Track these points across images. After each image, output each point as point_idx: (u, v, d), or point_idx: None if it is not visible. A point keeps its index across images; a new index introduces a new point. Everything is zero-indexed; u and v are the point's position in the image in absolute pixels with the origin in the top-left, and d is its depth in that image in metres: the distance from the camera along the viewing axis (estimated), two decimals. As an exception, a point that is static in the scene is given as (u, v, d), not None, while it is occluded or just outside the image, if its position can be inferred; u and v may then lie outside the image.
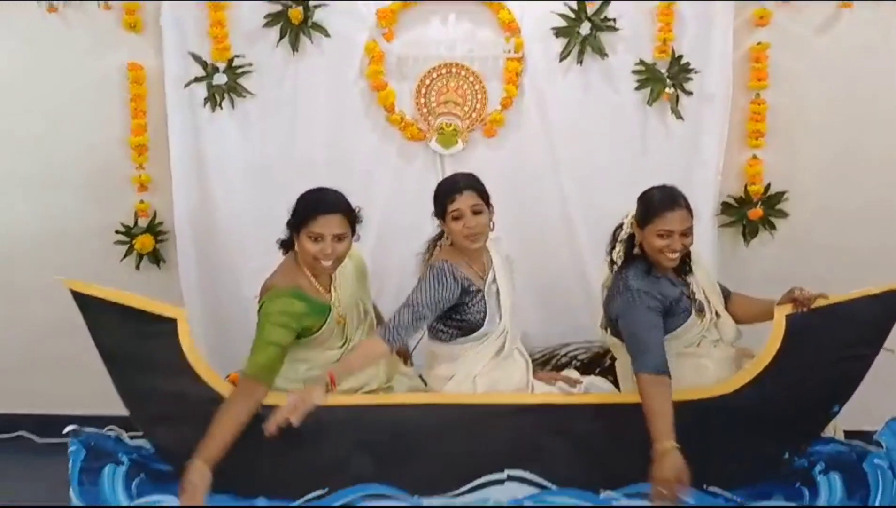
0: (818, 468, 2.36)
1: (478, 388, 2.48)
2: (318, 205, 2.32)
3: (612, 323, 2.48)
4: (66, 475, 2.47)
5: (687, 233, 2.39)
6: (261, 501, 2.40)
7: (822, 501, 2.36)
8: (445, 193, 2.43)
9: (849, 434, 2.47)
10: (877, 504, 2.33)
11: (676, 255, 2.40)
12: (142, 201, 3.33)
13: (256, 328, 2.33)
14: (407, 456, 2.39)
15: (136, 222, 3.34)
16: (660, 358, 2.26)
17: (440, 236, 2.60)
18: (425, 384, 2.63)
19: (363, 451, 2.39)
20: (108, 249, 3.34)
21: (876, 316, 2.35)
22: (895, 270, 2.43)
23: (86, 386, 3.15)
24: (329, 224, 2.30)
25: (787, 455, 2.36)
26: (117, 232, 3.34)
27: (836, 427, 2.44)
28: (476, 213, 2.40)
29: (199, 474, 2.14)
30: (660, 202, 2.38)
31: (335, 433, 2.37)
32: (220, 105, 3.17)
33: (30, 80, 3.28)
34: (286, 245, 2.45)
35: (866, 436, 2.38)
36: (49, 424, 3.32)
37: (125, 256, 3.34)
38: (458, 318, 2.46)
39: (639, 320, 2.33)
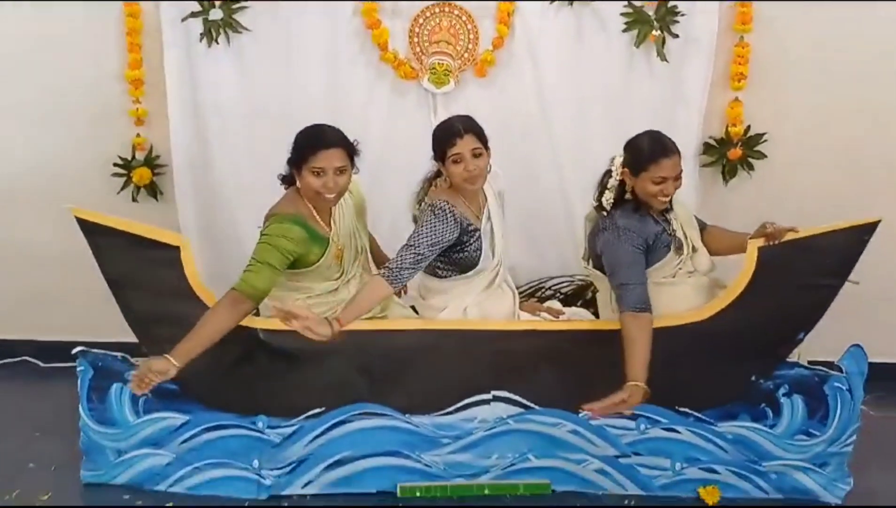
0: (782, 390, 2.52)
1: (468, 318, 2.60)
2: (318, 140, 2.38)
3: (595, 257, 2.61)
4: (70, 398, 2.61)
5: (679, 177, 2.48)
6: (261, 419, 2.55)
7: (784, 420, 2.54)
8: (446, 136, 2.46)
9: (812, 364, 2.61)
10: (835, 423, 2.51)
11: (668, 199, 2.50)
12: (138, 135, 3.38)
13: (255, 247, 2.38)
14: (400, 378, 2.53)
15: (133, 156, 3.40)
16: (641, 295, 2.37)
17: (436, 175, 2.64)
18: (417, 315, 2.76)
19: (359, 373, 2.52)
20: (106, 181, 3.40)
21: (842, 250, 2.46)
22: (865, 208, 2.51)
23: (88, 314, 3.28)
24: (330, 158, 2.37)
25: (753, 378, 2.51)
26: (115, 165, 3.40)
27: (801, 354, 2.59)
28: (476, 156, 2.45)
29: (163, 364, 2.19)
30: (653, 151, 2.43)
31: (332, 356, 2.48)
32: (215, 40, 3.21)
33: (26, 14, 3.29)
34: (287, 180, 2.52)
35: (829, 366, 2.53)
36: (52, 350, 3.46)
37: (123, 188, 3.41)
38: (455, 257, 2.53)
39: (622, 257, 2.43)
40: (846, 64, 3.20)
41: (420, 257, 2.40)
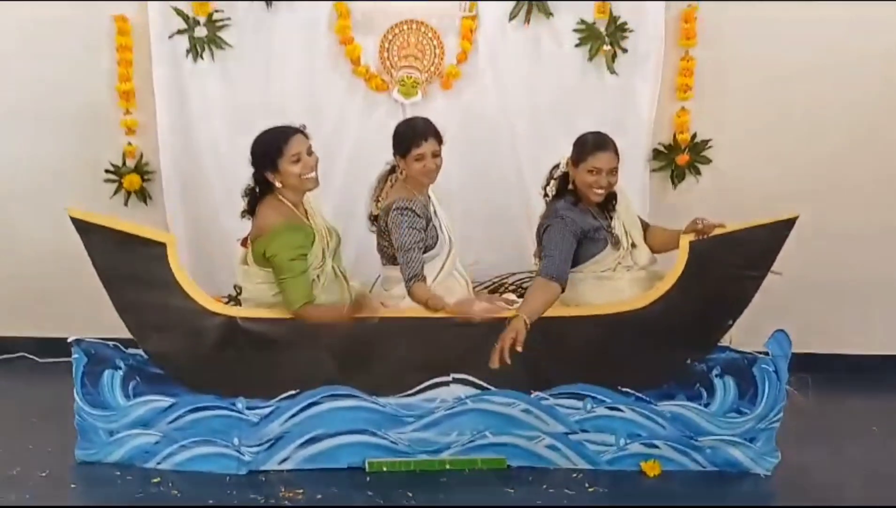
0: (715, 372, 2.75)
1: None
2: (280, 135, 2.65)
3: (541, 247, 2.87)
4: (65, 389, 2.83)
5: (613, 172, 2.77)
6: (240, 401, 2.77)
7: (717, 399, 2.78)
8: (413, 136, 2.77)
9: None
10: (763, 401, 2.76)
11: (603, 191, 2.78)
12: (129, 144, 3.63)
13: (274, 270, 2.66)
14: (367, 362, 2.75)
15: (123, 162, 3.64)
16: (560, 268, 2.67)
17: (390, 172, 2.93)
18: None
19: (328, 357, 2.74)
20: (98, 187, 3.63)
21: (765, 243, 2.70)
22: (797, 205, 2.73)
23: (82, 311, 3.48)
24: (300, 143, 2.65)
25: (689, 361, 2.74)
26: (107, 171, 3.64)
27: (731, 339, 2.84)
28: (434, 156, 2.79)
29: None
30: (592, 144, 2.77)
31: (305, 341, 2.72)
32: (201, 56, 3.47)
33: (24, 29, 3.54)
34: (254, 193, 2.74)
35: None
36: (49, 345, 3.64)
37: (115, 193, 3.65)
38: None
39: (556, 237, 2.73)
40: (781, 75, 3.48)
41: (417, 249, 2.70)
